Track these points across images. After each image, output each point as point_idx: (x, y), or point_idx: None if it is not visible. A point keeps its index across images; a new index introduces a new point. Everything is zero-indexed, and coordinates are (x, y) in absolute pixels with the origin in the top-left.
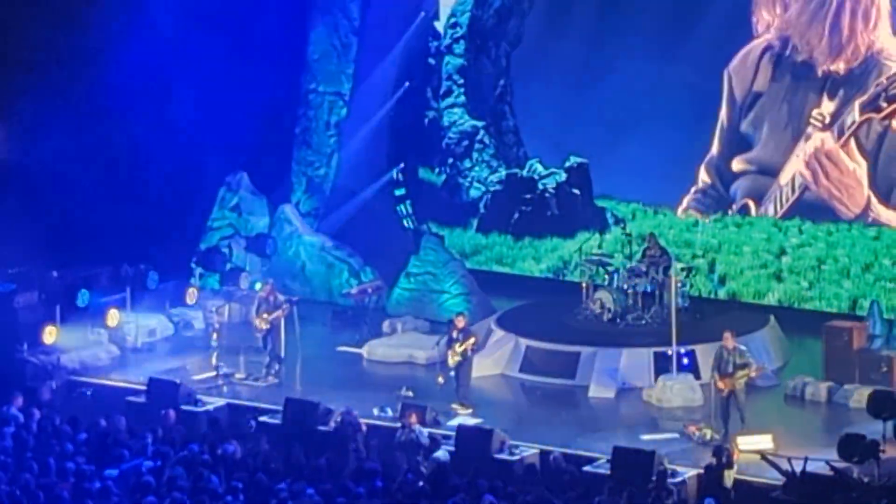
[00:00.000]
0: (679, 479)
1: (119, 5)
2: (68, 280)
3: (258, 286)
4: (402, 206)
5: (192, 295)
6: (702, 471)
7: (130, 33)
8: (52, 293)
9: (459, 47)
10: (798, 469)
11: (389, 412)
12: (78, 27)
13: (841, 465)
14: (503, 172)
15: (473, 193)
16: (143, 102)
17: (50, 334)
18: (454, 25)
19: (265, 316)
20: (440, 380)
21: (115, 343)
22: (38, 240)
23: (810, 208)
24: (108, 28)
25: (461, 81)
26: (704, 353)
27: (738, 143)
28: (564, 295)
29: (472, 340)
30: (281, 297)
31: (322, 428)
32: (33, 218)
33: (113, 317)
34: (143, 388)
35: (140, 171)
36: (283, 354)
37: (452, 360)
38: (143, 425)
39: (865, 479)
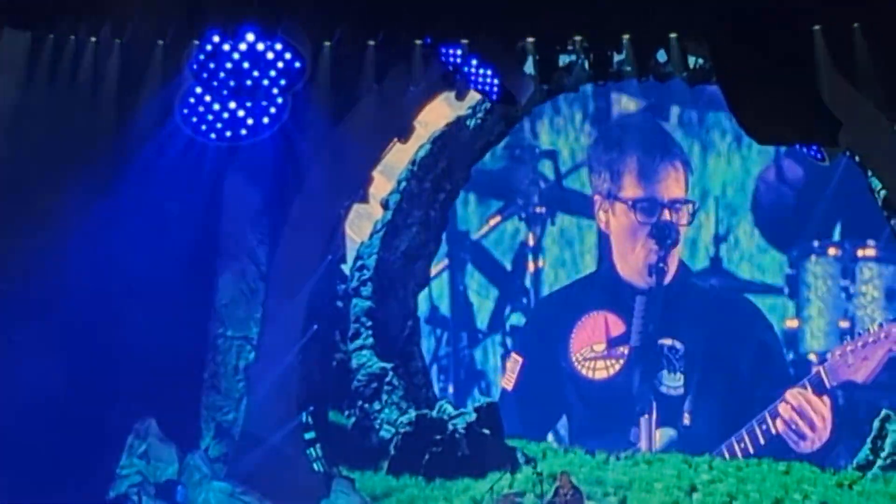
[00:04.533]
0: None
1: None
2: None
3: None
4: (312, 450)
5: None
6: None
7: (47, 285)
8: None
9: (367, 290)
10: None
11: None
12: None
13: None
14: (413, 414)
15: (384, 435)
16: (50, 353)
17: None
18: (361, 268)
19: None
20: None
21: None
22: None
23: None
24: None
25: (369, 324)
26: None
27: None
28: None
29: None
30: None
31: None
32: None
33: None
34: None
35: (46, 420)
36: None
37: None
38: None
39: None
